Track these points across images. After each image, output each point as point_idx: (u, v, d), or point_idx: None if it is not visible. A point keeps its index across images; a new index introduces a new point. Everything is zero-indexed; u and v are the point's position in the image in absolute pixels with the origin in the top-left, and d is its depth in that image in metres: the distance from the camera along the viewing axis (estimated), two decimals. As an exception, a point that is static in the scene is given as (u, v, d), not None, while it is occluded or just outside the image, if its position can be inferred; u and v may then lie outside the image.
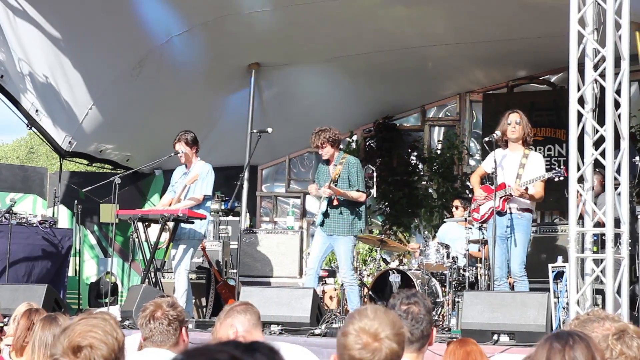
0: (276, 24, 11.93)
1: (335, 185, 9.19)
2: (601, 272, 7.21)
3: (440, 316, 9.82)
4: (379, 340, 2.89)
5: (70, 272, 12.96)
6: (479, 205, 8.88)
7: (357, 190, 9.33)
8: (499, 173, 8.50)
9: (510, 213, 8.55)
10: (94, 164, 14.68)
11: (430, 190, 14.69)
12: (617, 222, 7.25)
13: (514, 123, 8.62)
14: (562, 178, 8.37)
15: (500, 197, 8.48)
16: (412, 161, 14.80)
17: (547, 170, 8.65)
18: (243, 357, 1.31)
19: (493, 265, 8.41)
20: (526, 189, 8.40)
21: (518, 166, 8.57)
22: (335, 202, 9.27)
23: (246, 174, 11.08)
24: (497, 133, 8.63)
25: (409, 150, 14.84)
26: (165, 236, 9.42)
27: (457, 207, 11.28)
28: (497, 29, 12.14)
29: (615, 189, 7.30)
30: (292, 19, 11.86)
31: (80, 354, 3.14)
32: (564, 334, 3.01)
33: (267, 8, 11.59)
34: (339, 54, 12.91)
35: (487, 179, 8.97)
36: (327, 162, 9.54)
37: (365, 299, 10.44)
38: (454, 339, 5.32)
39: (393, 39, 12.47)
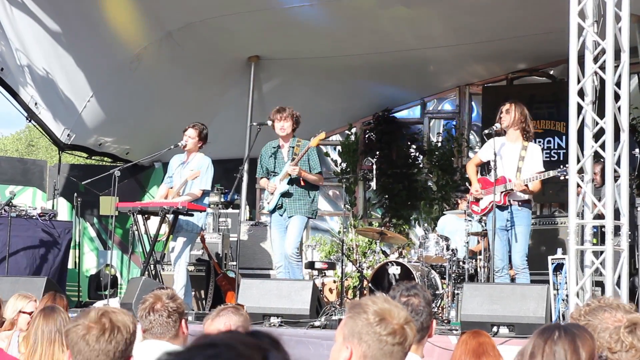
0: (276, 23, 11.93)
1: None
2: (601, 264, 7.22)
3: (440, 308, 9.83)
4: (403, 327, 2.89)
5: (70, 265, 12.96)
6: (478, 198, 8.89)
7: (318, 173, 9.32)
8: (497, 163, 8.51)
9: (511, 206, 8.57)
10: (93, 157, 14.67)
11: (430, 183, 14.68)
12: (616, 214, 7.26)
13: (504, 112, 8.65)
14: (567, 177, 8.38)
15: (501, 192, 8.49)
16: (412, 154, 14.79)
17: (547, 164, 8.67)
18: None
19: (493, 256, 8.42)
20: (527, 185, 8.42)
21: (518, 159, 8.57)
22: (302, 183, 9.20)
23: (246, 167, 11.07)
24: (497, 125, 8.64)
25: (409, 143, 14.83)
26: (165, 228, 9.42)
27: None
28: (496, 28, 12.12)
29: (615, 181, 7.30)
30: (291, 20, 11.86)
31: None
32: (551, 328, 3.03)
33: (266, 7, 11.58)
34: (338, 54, 12.91)
35: (485, 169, 8.97)
36: (277, 147, 9.45)
37: (365, 291, 10.45)
38: (464, 331, 5.31)
39: (392, 41, 12.48)
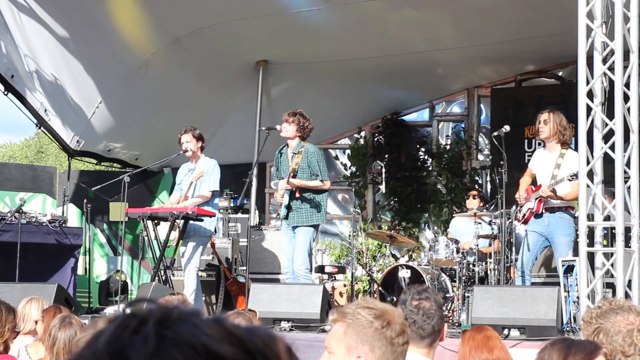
0: (284, 28, 11.93)
1: (295, 176, 9.10)
2: (611, 265, 7.20)
3: (451, 311, 9.82)
4: (404, 324, 2.90)
5: (80, 271, 12.97)
6: (520, 206, 8.87)
7: (321, 180, 9.22)
8: (537, 175, 8.55)
9: (550, 213, 8.52)
10: (102, 163, 14.70)
11: (439, 186, 14.66)
12: (627, 216, 7.25)
13: (542, 122, 8.60)
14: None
15: (535, 199, 8.48)
16: (421, 157, 14.78)
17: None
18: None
19: (503, 259, 8.40)
20: (553, 190, 8.37)
21: (554, 166, 8.54)
22: (297, 195, 9.16)
23: (255, 171, 11.08)
24: (506, 127, 8.62)
25: (418, 146, 14.82)
26: (175, 234, 9.42)
27: (474, 197, 11.23)
28: (505, 30, 12.10)
29: (625, 182, 7.28)
30: (299, 25, 11.87)
31: None
32: (558, 340, 3.08)
33: (274, 12, 11.58)
34: (346, 57, 12.91)
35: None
36: (284, 147, 9.40)
37: (375, 295, 10.44)
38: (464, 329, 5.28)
39: (400, 44, 12.47)
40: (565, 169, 8.46)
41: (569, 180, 8.28)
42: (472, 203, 11.14)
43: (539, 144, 8.63)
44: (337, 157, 15.22)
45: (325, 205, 9.37)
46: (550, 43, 12.44)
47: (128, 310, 1.19)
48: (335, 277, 11.81)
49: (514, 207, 9.14)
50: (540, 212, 8.50)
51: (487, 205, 11.51)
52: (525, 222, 8.77)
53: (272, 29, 11.94)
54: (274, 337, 1.20)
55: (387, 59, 12.94)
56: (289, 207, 9.15)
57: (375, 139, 15.00)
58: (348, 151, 15.17)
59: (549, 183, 8.45)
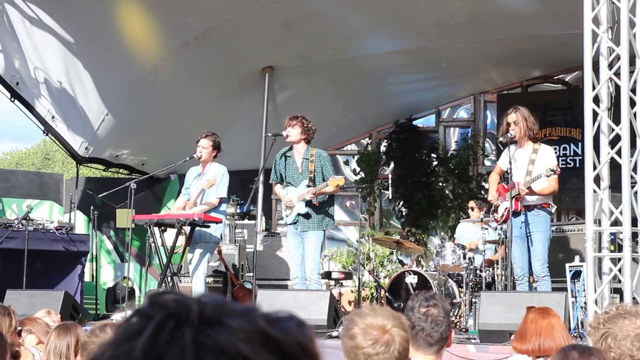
0: (289, 21, 11.89)
1: (314, 182, 9.08)
2: (619, 271, 7.19)
3: (458, 317, 9.81)
4: (388, 332, 2.89)
5: (87, 278, 12.99)
6: (497, 206, 8.85)
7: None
8: (512, 170, 8.46)
9: (526, 212, 8.49)
10: (109, 169, 14.73)
11: (447, 191, 14.65)
12: (634, 221, 7.24)
13: (513, 123, 8.55)
14: (555, 174, 8.30)
15: (512, 197, 8.43)
16: (432, 162, 14.75)
17: (564, 171, 8.61)
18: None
19: (510, 265, 8.38)
20: (529, 188, 8.33)
21: (527, 162, 8.50)
22: (317, 203, 9.10)
23: (261, 178, 11.07)
24: (512, 132, 8.59)
25: (424, 152, 14.80)
26: (182, 240, 9.43)
27: (472, 209, 11.26)
28: (512, 23, 12.04)
29: (632, 187, 7.28)
30: (305, 15, 11.82)
31: None
32: (581, 347, 3.07)
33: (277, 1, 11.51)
34: (353, 54, 12.88)
35: (503, 178, 8.93)
36: (288, 151, 9.39)
37: (382, 300, 10.43)
38: (531, 306, 5.21)
39: (410, 29, 12.34)
40: (540, 164, 8.41)
41: (547, 176, 8.24)
42: (473, 214, 11.16)
43: (512, 142, 8.54)
44: (347, 162, 15.22)
45: (333, 210, 9.35)
46: (556, 44, 12.41)
47: (159, 306, 1.19)
48: (342, 283, 11.81)
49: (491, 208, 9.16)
50: (518, 210, 8.46)
51: (489, 211, 11.50)
52: (505, 221, 8.72)
53: (279, 21, 11.84)
54: (306, 333, 1.22)
55: (395, 58, 12.88)
56: (306, 215, 9.09)
57: (385, 144, 14.97)
58: (356, 157, 15.18)
59: (524, 180, 8.40)
